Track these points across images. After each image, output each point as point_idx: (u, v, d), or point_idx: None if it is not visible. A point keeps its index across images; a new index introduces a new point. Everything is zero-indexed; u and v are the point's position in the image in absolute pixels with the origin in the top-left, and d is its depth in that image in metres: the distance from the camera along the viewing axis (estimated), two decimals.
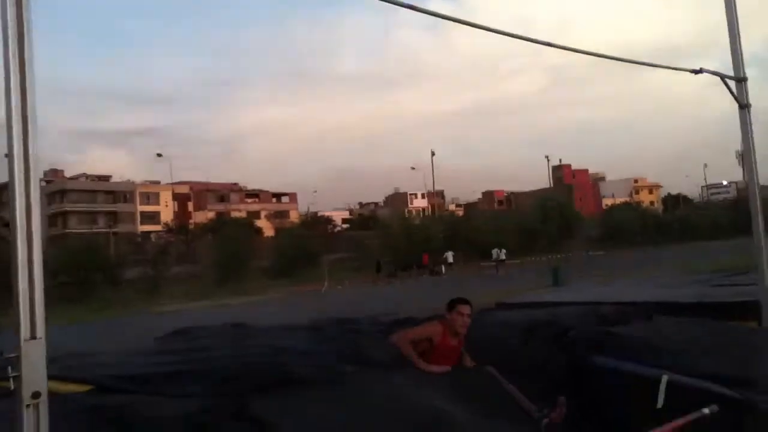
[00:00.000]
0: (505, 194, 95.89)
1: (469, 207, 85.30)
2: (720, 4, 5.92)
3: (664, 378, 3.97)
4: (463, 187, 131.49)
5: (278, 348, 4.69)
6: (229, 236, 42.42)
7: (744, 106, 5.48)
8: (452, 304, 4.40)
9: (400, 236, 44.37)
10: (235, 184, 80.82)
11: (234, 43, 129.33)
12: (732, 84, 5.51)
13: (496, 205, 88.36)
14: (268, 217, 71.06)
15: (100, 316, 24.47)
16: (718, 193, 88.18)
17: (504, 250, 36.57)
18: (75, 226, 64.41)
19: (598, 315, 5.34)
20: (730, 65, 5.64)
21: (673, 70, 5.53)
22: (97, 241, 38.53)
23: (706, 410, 3.47)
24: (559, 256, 39.21)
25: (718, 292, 8.48)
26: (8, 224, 2.16)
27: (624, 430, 3.99)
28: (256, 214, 73.90)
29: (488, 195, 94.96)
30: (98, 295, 32.65)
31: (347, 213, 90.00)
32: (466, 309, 4.37)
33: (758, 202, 5.63)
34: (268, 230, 65.76)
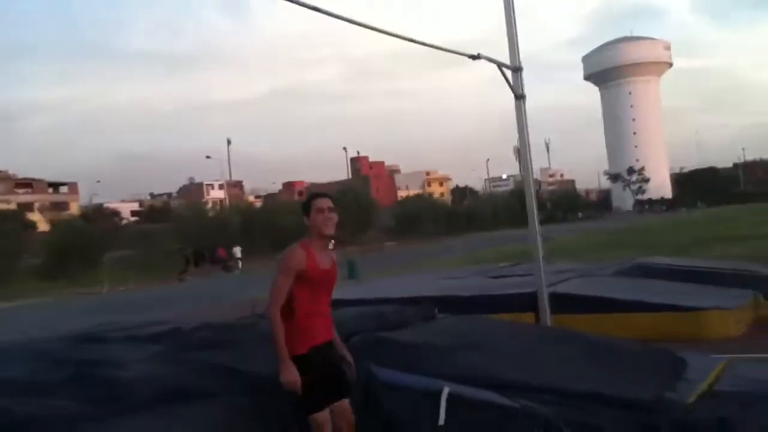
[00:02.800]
0: (306, 185, 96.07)
1: (269, 198, 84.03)
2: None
3: (445, 390, 3.58)
4: (263, 177, 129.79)
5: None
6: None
7: (519, 97, 5.36)
8: (306, 206, 3.41)
9: (194, 229, 42.13)
10: (2, 171, 71.62)
11: (7, 9, 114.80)
12: (509, 74, 5.36)
13: (296, 196, 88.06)
14: (42, 210, 63.83)
15: None
16: (499, 185, 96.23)
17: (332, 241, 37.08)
18: None
19: (379, 317, 4.89)
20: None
21: (458, 60, 5.25)
22: None
23: None
24: (355, 247, 39.74)
25: (498, 284, 8.64)
26: None
27: None
28: (28, 206, 66.06)
29: (288, 186, 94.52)
30: None
31: (137, 204, 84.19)
32: (324, 202, 3.37)
33: (533, 194, 5.57)
34: (44, 224, 59.13)
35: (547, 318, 5.51)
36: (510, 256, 17.82)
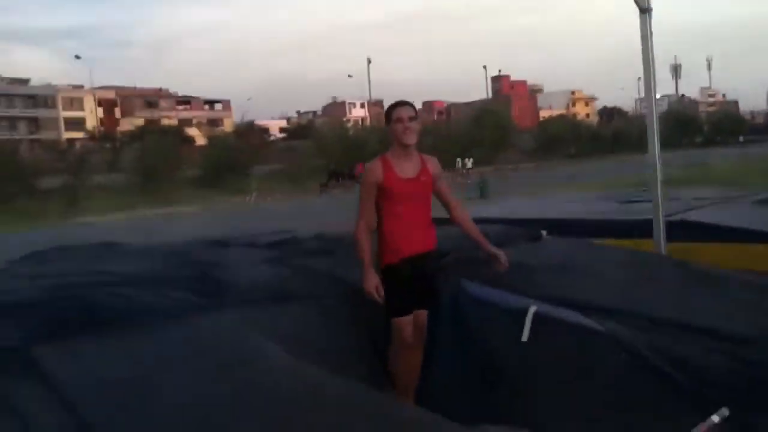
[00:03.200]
0: (445, 105, 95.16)
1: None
2: None
3: (531, 309, 3.61)
4: (405, 97, 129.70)
5: (119, 275, 4.08)
6: (156, 144, 40.67)
7: (645, 10, 4.97)
8: (387, 114, 3.46)
9: (335, 145, 43.55)
10: (164, 89, 77.20)
11: None
12: None
13: (435, 115, 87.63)
14: (200, 125, 68.45)
15: (11, 229, 23.18)
16: None
17: (471, 159, 37.99)
18: None
19: (487, 236, 4.92)
20: None
21: None
22: (10, 149, 36.14)
23: (715, 418, 2.94)
24: (491, 167, 39.34)
25: (622, 209, 8.28)
26: None
27: (489, 368, 3.65)
28: (187, 122, 71.16)
29: (428, 105, 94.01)
30: (14, 206, 31.00)
31: (285, 122, 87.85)
32: (405, 112, 3.34)
33: (655, 115, 5.24)
34: (201, 139, 63.61)
35: (662, 246, 5.26)
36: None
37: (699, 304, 3.68)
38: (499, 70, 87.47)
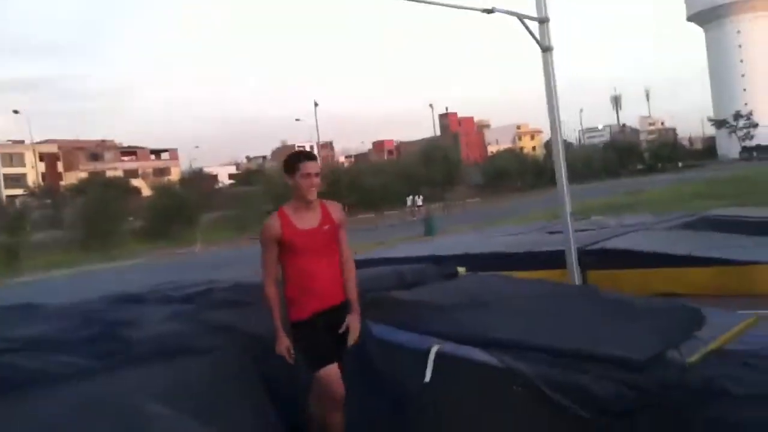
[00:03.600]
0: (395, 144, 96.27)
1: (359, 158, 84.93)
2: None
3: (433, 349, 3.61)
4: (353, 137, 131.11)
5: (19, 340, 3.91)
6: (99, 198, 39.78)
7: (546, 49, 5.14)
8: (290, 166, 3.25)
9: (283, 190, 43.32)
10: (108, 141, 76.06)
11: None
12: (534, 26, 5.14)
13: (386, 155, 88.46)
14: (145, 176, 67.50)
15: None
16: (594, 136, 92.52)
17: (421, 197, 38.35)
18: None
19: (398, 276, 4.94)
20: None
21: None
22: None
23: None
24: (439, 204, 39.72)
25: (549, 240, 8.45)
26: None
27: (396, 408, 3.62)
28: (133, 173, 70.15)
29: (378, 145, 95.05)
30: None
31: (234, 168, 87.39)
32: (313, 167, 3.24)
33: (561, 148, 5.39)
34: (147, 190, 62.62)
35: (575, 275, 5.36)
36: (591, 209, 17.33)
37: (600, 332, 3.74)
38: (446, 108, 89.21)
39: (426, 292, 4.54)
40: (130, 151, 76.37)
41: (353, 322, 3.30)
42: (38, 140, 69.26)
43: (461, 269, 5.52)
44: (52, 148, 71.01)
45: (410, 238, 19.86)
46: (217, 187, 62.44)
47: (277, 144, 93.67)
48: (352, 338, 3.28)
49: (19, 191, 61.10)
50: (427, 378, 3.53)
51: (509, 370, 3.32)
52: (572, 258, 5.35)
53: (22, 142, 70.18)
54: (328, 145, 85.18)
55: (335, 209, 3.44)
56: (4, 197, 60.46)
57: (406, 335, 3.82)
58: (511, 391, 3.27)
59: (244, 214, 42.79)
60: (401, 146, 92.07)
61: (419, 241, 16.25)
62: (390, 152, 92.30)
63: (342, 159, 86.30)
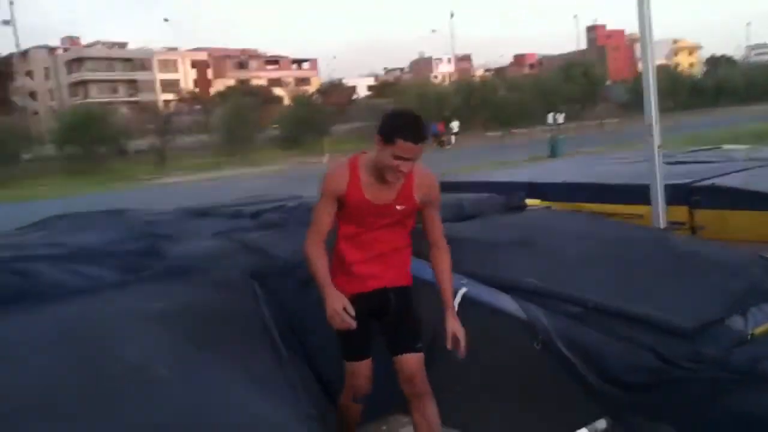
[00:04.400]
0: (537, 58, 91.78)
1: (498, 72, 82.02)
2: None
3: (461, 291, 3.33)
4: (494, 51, 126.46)
5: (67, 248, 4.07)
6: (241, 105, 41.57)
7: None
8: (389, 131, 2.47)
9: (415, 103, 42.96)
10: (253, 50, 78.70)
11: None
12: None
13: (527, 69, 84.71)
14: (286, 85, 69.48)
15: (101, 189, 24.50)
16: (763, 53, 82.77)
17: (562, 115, 36.24)
18: (96, 96, 63.93)
19: (456, 207, 4.62)
20: None
21: None
22: (103, 111, 37.98)
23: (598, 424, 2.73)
24: (574, 124, 37.69)
25: (669, 170, 7.60)
26: None
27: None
28: (276, 82, 72.45)
29: (519, 59, 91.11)
30: (105, 166, 32.74)
31: (373, 80, 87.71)
32: (410, 151, 2.46)
33: (652, 78, 4.67)
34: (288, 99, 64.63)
35: (659, 216, 4.75)
36: (736, 138, 15.62)
37: (654, 288, 3.27)
38: (595, 20, 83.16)
39: (476, 226, 4.21)
40: (274, 61, 78.67)
41: (451, 327, 2.70)
42: (190, 48, 73.15)
43: (535, 201, 5.09)
44: (203, 56, 74.61)
45: (535, 159, 19.02)
46: (354, 98, 63.04)
47: (414, 56, 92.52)
48: (459, 345, 2.70)
49: (173, 96, 65.36)
50: None
51: (531, 323, 3.00)
52: (657, 195, 4.73)
53: (176, 49, 74.29)
54: (466, 58, 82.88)
55: (424, 183, 2.70)
56: (160, 101, 65.00)
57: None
58: (530, 347, 2.96)
59: (373, 127, 43.20)
60: (543, 61, 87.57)
61: (540, 162, 15.47)
62: (531, 66, 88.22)
63: (480, 72, 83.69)
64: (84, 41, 72.95)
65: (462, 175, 10.20)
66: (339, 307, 2.50)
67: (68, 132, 33.30)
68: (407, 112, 2.61)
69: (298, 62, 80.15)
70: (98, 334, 2.61)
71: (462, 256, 3.66)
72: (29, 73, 66.82)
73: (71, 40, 70.74)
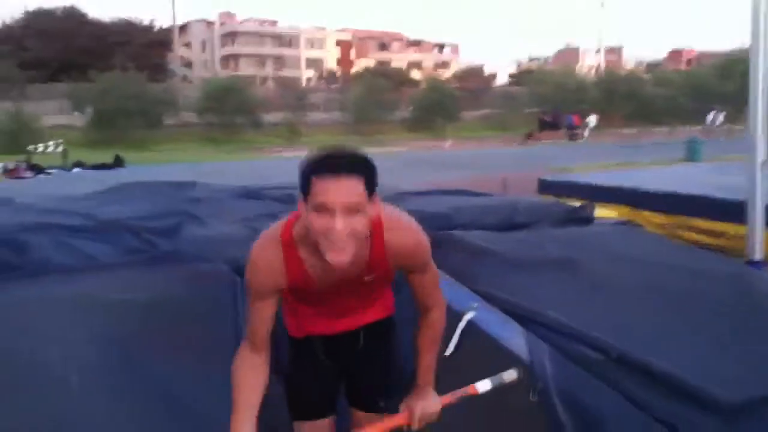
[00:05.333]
0: (695, 54, 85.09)
1: (650, 68, 76.85)
2: None
3: (467, 315, 2.85)
4: (648, 45, 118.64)
5: (101, 220, 4.02)
6: (376, 85, 41.92)
7: None
8: (304, 180, 1.64)
9: (552, 94, 41.20)
10: (398, 33, 79.20)
11: None
12: None
13: (684, 65, 78.70)
14: (423, 68, 69.28)
15: (229, 157, 25.58)
16: None
17: (722, 113, 32.75)
18: (244, 69, 67.09)
19: (509, 211, 4.09)
20: None
21: None
22: (244, 83, 39.68)
23: (505, 375, 2.32)
24: (725, 127, 34.42)
25: None
26: None
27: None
28: (416, 64, 72.45)
29: (675, 54, 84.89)
30: (239, 136, 34.23)
31: (515, 67, 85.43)
32: (327, 188, 1.59)
33: (760, 76, 3.83)
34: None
35: (756, 242, 3.93)
36: None
37: (705, 342, 2.62)
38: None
39: (517, 239, 3.66)
40: (415, 43, 78.65)
41: (416, 408, 2.02)
42: (337, 28, 74.83)
43: (610, 213, 4.42)
44: (347, 36, 76.02)
45: (668, 162, 17.42)
46: (491, 85, 61.69)
47: (561, 45, 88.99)
48: (416, 423, 2.03)
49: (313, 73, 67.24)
50: (448, 350, 2.82)
51: (531, 366, 2.47)
52: (756, 217, 3.92)
53: (324, 29, 76.25)
54: (616, 50, 78.42)
55: (400, 246, 1.87)
56: (304, 78, 67.04)
57: (451, 287, 3.09)
58: (526, 398, 2.44)
59: (506, 115, 41.99)
60: (702, 57, 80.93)
61: (666, 166, 14.11)
62: (689, 62, 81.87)
63: (629, 66, 78.87)
64: (239, 18, 76.57)
65: (559, 174, 9.40)
66: None
67: (209, 101, 35.05)
68: (326, 148, 1.68)
69: (440, 46, 79.62)
70: (20, 322, 2.43)
71: (484, 272, 3.19)
72: (188, 45, 71.32)
73: (227, 16, 74.49)
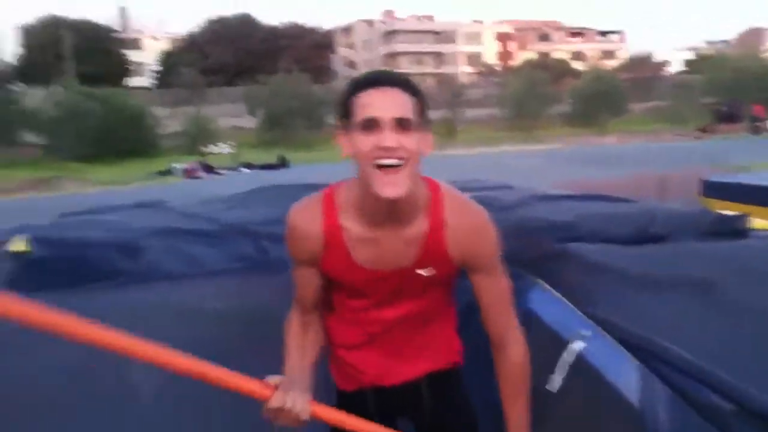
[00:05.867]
0: None
1: None
2: None
3: (575, 345, 2.51)
4: None
5: (222, 224, 4.11)
6: (535, 79, 40.74)
7: None
8: (345, 103, 1.45)
9: (730, 80, 37.49)
10: (556, 22, 76.39)
11: None
12: None
13: None
14: (586, 58, 66.12)
15: None
16: None
17: None
18: (406, 67, 68.11)
19: (646, 219, 3.64)
20: None
21: None
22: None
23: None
24: None
25: None
26: None
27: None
28: (580, 55, 69.47)
29: None
30: None
31: (690, 54, 79.04)
32: (373, 100, 1.40)
33: None
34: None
35: None
36: None
37: None
38: None
39: (651, 253, 3.22)
40: (578, 32, 75.41)
41: None
42: (495, 21, 73.71)
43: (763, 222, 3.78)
44: (506, 28, 74.61)
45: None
46: (663, 74, 57.51)
47: (743, 27, 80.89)
48: None
49: (476, 69, 66.67)
50: (554, 385, 2.51)
51: (641, 412, 2.11)
52: None
53: (481, 22, 75.42)
54: None
55: (464, 230, 1.57)
56: (462, 74, 66.78)
57: (560, 308, 2.76)
58: None
59: (679, 107, 38.84)
60: None
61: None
62: None
63: None
64: (399, 15, 77.86)
65: (727, 174, 8.38)
66: (279, 405, 1.46)
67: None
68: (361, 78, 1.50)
69: (604, 34, 75.66)
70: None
71: (601, 292, 2.83)
72: (351, 45, 73.78)
73: (388, 14, 76.00)
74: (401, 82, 1.45)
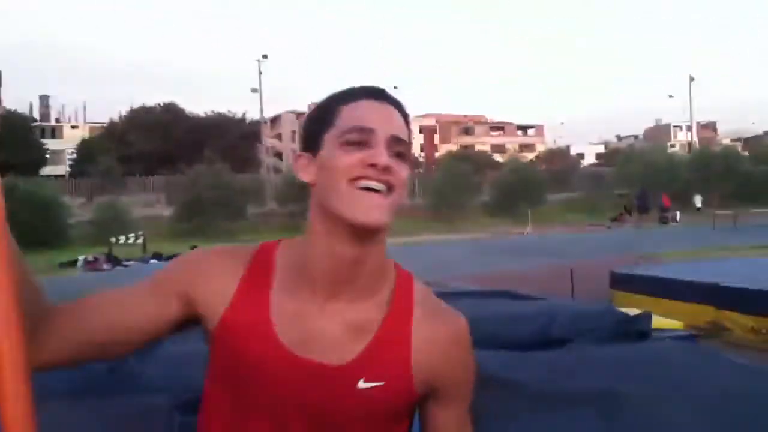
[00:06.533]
0: None
1: (750, 142, 73.31)
2: None
3: None
4: (745, 118, 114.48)
5: None
6: (456, 170, 41.75)
7: None
8: (325, 115, 1.11)
9: (641, 172, 39.49)
10: (481, 116, 79.96)
11: None
12: None
13: None
14: (505, 152, 69.02)
15: None
16: None
17: None
18: None
19: (547, 320, 3.37)
20: None
21: None
22: None
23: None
24: None
25: None
26: None
27: None
28: (500, 148, 72.44)
29: None
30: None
31: (602, 147, 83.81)
32: (368, 109, 1.09)
33: None
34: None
35: None
36: None
37: None
38: None
39: (549, 361, 2.92)
40: (499, 127, 78.99)
41: None
42: (420, 114, 76.31)
43: (673, 324, 3.59)
44: (431, 122, 77.36)
45: (753, 248, 15.70)
46: (578, 167, 60.44)
47: (650, 123, 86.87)
48: None
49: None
50: None
51: None
52: None
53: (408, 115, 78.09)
54: (709, 126, 75.59)
55: (438, 338, 1.14)
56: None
57: None
58: None
59: (593, 197, 40.52)
60: None
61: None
62: None
63: (727, 141, 75.52)
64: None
65: (634, 266, 8.44)
66: None
67: (289, 190, 35.79)
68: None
69: (524, 128, 79.53)
70: None
71: (495, 410, 2.48)
72: (278, 136, 74.44)
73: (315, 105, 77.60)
74: (401, 106, 1.16)
